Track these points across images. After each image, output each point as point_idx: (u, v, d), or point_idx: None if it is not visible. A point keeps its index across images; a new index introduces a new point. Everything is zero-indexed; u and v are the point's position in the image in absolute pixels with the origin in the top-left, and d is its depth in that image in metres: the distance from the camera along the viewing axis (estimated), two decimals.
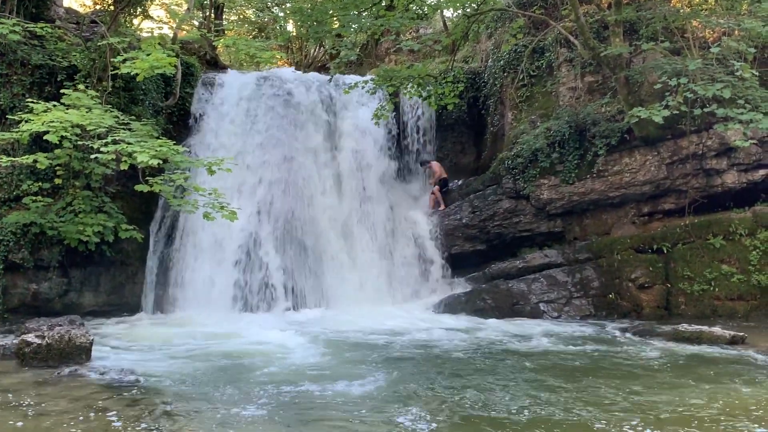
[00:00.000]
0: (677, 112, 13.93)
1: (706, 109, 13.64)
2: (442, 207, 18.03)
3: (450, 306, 15.72)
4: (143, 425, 6.73)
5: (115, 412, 7.16)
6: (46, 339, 9.55)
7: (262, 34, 28.04)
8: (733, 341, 11.44)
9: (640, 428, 6.73)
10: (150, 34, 18.56)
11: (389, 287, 17.14)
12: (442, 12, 22.25)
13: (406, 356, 10.73)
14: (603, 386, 8.57)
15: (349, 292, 16.59)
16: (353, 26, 16.70)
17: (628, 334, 12.73)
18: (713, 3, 16.41)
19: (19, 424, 6.70)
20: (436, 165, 18.72)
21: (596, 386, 8.58)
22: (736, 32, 14.98)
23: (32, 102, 12.84)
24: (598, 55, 15.13)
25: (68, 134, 12.30)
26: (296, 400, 7.83)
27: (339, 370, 9.46)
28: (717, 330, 11.83)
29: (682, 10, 16.04)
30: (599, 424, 6.86)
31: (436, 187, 18.33)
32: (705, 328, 12.02)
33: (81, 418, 6.95)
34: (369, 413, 7.25)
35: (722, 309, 14.60)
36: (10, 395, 7.80)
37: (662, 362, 10.23)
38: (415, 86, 16.87)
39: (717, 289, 14.71)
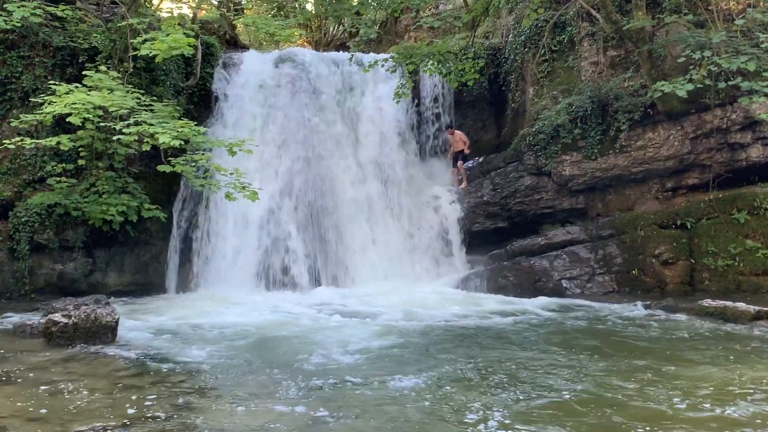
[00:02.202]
0: (701, 85, 13.75)
1: (730, 83, 13.46)
2: (464, 185, 17.95)
3: (472, 283, 15.71)
4: (168, 404, 6.79)
5: (140, 391, 7.23)
6: (73, 318, 9.66)
7: (281, 12, 27.95)
8: (757, 316, 11.33)
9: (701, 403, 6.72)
10: (170, 14, 18.57)
11: (411, 264, 17.17)
12: None
13: (445, 338, 10.42)
14: (635, 364, 8.52)
15: (371, 270, 16.65)
16: (372, 4, 16.60)
17: (652, 311, 12.66)
18: None
19: (46, 401, 6.81)
20: (458, 134, 18.54)
21: (628, 364, 8.54)
22: (762, 3, 14.73)
23: (54, 84, 12.93)
24: (621, 28, 14.95)
25: (90, 116, 12.38)
26: (340, 393, 7.31)
27: (382, 359, 9.00)
28: (741, 305, 11.72)
29: None
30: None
31: (460, 162, 18.21)
32: (729, 303, 11.92)
33: (107, 396, 7.03)
34: (431, 410, 6.70)
35: (747, 284, 14.47)
36: (37, 373, 7.91)
37: (688, 338, 10.19)
38: (435, 63, 16.74)
39: (741, 265, 14.57)
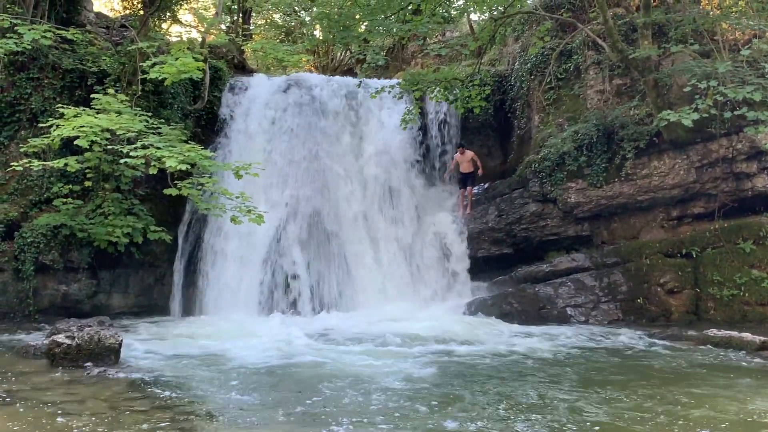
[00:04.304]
0: (707, 115, 13.78)
1: (736, 112, 13.48)
2: (468, 211, 17.87)
3: (477, 309, 15.64)
4: (172, 429, 6.75)
5: (144, 415, 7.20)
6: (76, 340, 9.65)
7: (289, 38, 28.17)
8: (763, 347, 11.28)
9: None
10: (179, 39, 18.72)
11: (415, 290, 17.14)
12: (468, 15, 22.22)
13: (463, 373, 9.92)
14: (652, 395, 8.47)
15: (375, 295, 16.63)
16: (380, 31, 16.69)
17: (658, 340, 12.59)
18: (744, 5, 16.19)
19: (49, 423, 6.78)
20: (468, 154, 18.10)
21: (645, 396, 8.47)
22: (767, 34, 14.80)
23: (62, 107, 13.02)
24: (627, 57, 15.02)
25: (98, 138, 12.45)
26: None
27: (398, 398, 8.31)
28: (747, 335, 11.67)
29: (711, 13, 15.88)
30: None
31: (469, 187, 18.11)
32: (735, 333, 11.88)
33: (109, 418, 7.00)
34: None
35: (752, 314, 14.40)
36: (39, 395, 7.89)
37: (697, 368, 10.11)
38: (442, 90, 16.82)
39: (747, 294, 14.51)
